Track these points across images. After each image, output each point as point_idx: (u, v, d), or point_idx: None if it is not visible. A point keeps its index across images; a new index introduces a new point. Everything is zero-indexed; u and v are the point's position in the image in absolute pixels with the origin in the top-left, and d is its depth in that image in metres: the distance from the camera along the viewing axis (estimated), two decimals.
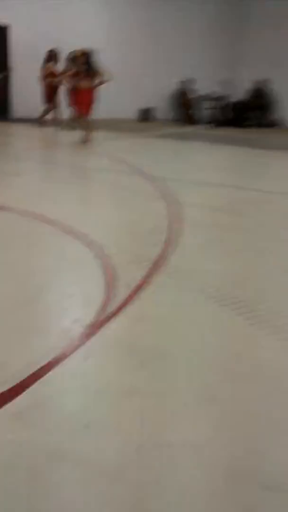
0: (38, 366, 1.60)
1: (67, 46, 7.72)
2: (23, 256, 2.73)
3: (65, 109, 8.26)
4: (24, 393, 1.48)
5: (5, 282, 2.33)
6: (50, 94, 8.54)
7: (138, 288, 2.26)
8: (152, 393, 1.52)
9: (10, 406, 1.41)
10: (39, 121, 8.79)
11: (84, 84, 6.85)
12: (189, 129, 10.85)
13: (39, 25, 9.83)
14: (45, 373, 1.58)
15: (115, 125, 8.65)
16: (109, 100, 10.20)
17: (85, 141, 6.90)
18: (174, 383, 1.59)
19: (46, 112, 8.79)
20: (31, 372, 1.57)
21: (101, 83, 6.96)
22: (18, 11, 9.62)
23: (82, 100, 6.90)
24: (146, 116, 12.05)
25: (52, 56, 8.40)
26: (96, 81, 7.03)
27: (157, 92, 12.08)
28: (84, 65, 6.76)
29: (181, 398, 1.51)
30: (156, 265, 2.58)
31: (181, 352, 1.78)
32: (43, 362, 1.63)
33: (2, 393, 1.46)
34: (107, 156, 6.43)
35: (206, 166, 6.25)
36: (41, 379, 1.55)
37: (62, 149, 7.05)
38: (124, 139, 8.35)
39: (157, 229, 3.27)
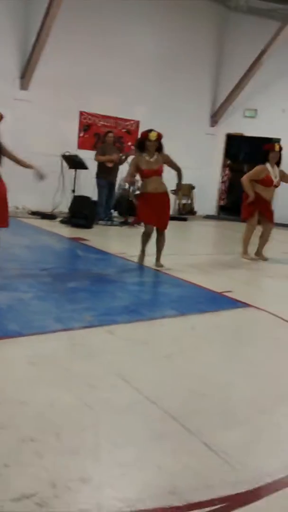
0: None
1: None
2: (269, 355, 2.84)
3: None
4: (275, 494, 1.56)
5: (254, 381, 2.46)
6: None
7: None
8: None
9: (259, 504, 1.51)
10: None
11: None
12: None
13: None
14: None
15: None
16: None
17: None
18: None
19: None
20: (283, 475, 1.64)
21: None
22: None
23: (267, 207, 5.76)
24: None
25: None
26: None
27: None
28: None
29: None
30: None
31: None
32: None
33: (254, 490, 1.57)
34: None
35: None
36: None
37: None
38: None
39: None
